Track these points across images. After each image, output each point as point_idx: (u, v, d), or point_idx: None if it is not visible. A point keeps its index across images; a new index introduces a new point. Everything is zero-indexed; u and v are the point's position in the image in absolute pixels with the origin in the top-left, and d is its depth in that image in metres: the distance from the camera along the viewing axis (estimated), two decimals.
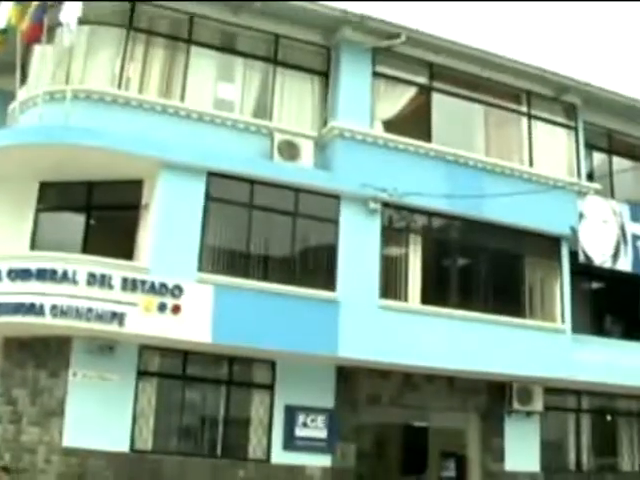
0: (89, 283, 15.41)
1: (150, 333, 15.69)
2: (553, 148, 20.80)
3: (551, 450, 20.54)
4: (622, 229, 21.05)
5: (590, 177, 21.69)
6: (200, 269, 16.40)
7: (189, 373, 17.03)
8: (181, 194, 16.61)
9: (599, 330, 21.71)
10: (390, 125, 18.85)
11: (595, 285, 22.54)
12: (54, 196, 17.72)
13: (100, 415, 15.94)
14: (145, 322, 15.59)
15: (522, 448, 19.81)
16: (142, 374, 16.59)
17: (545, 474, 20.05)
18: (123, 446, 16.12)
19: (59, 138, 16.20)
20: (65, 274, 15.38)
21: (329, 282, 17.32)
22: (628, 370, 20.22)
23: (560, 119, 21.11)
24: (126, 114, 16.78)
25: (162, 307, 15.71)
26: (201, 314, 15.96)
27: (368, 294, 17.47)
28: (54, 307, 15.22)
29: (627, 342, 21.22)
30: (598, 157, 22.70)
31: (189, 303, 15.91)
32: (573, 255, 20.15)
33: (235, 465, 16.92)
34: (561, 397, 20.84)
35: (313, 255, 17.73)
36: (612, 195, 22.01)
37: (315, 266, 17.60)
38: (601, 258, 20.56)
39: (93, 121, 16.42)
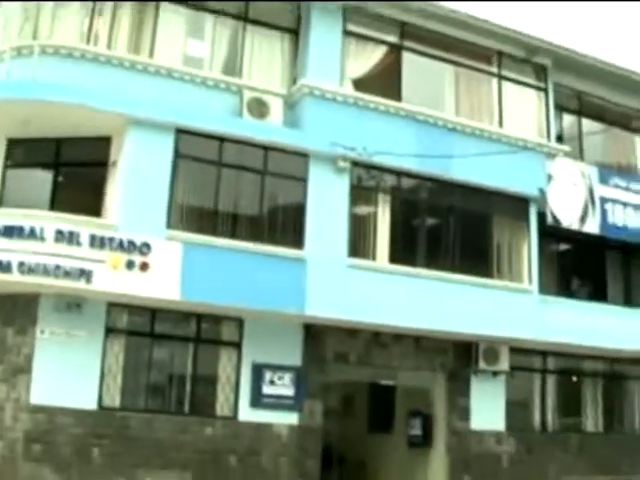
0: (57, 240, 15.37)
1: (118, 290, 15.68)
2: (523, 109, 20.94)
3: (516, 410, 20.85)
4: (590, 191, 21.33)
5: (559, 139, 21.83)
6: (169, 226, 16.44)
7: (157, 331, 17.09)
8: (149, 151, 16.58)
9: (566, 291, 22.03)
10: (360, 84, 18.91)
11: (563, 247, 22.85)
12: (22, 153, 17.64)
13: (68, 372, 15.96)
14: (113, 279, 15.59)
15: (488, 407, 20.15)
16: (110, 331, 16.62)
17: (510, 433, 20.42)
18: (91, 403, 16.17)
19: (27, 94, 16.11)
20: (32, 231, 15.34)
21: (297, 240, 17.45)
22: (594, 331, 20.49)
23: (530, 80, 21.25)
24: (94, 70, 16.65)
25: (130, 264, 15.74)
26: (169, 271, 16.00)
27: (336, 253, 17.61)
28: (21, 264, 15.21)
29: (593, 304, 21.60)
30: (568, 119, 22.85)
31: (157, 260, 15.94)
32: (541, 216, 20.41)
33: (202, 422, 17.06)
34: (527, 357, 21.13)
35: (281, 213, 17.77)
36: (581, 157, 22.24)
37: (283, 224, 17.66)
38: (569, 220, 20.83)
39: (61, 77, 16.33)
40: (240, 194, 17.51)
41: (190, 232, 16.62)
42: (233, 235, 17.08)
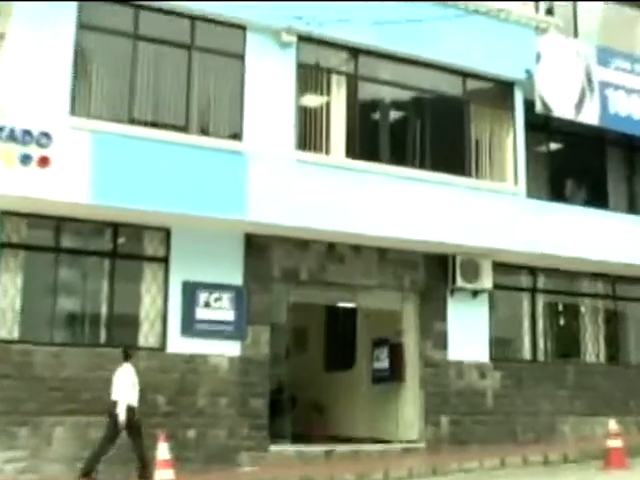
0: None
1: (10, 192, 14.80)
2: None
3: (502, 337, 20.81)
4: (588, 74, 20.97)
5: (549, 13, 21.36)
6: (73, 113, 15.70)
7: (64, 245, 16.51)
8: (45, 21, 15.61)
9: (559, 196, 21.71)
10: None
11: (555, 143, 22.47)
12: None
13: None
14: (4, 178, 14.68)
15: (468, 334, 19.91)
16: (4, 246, 15.86)
17: (495, 365, 20.18)
18: None
19: None
20: None
21: (234, 130, 17.08)
22: (591, 242, 20.37)
23: None
24: None
25: (25, 159, 14.82)
26: (76, 168, 15.17)
27: (282, 145, 17.26)
28: None
29: (592, 210, 21.33)
30: None
31: (61, 154, 15.06)
32: (529, 105, 20.03)
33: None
34: (514, 275, 21.06)
35: (214, 97, 17.34)
36: (576, 35, 21.83)
37: (216, 110, 17.29)
38: (562, 108, 20.38)
39: None
40: (163, 74, 16.95)
41: (101, 120, 15.93)
42: (155, 124, 16.57)
